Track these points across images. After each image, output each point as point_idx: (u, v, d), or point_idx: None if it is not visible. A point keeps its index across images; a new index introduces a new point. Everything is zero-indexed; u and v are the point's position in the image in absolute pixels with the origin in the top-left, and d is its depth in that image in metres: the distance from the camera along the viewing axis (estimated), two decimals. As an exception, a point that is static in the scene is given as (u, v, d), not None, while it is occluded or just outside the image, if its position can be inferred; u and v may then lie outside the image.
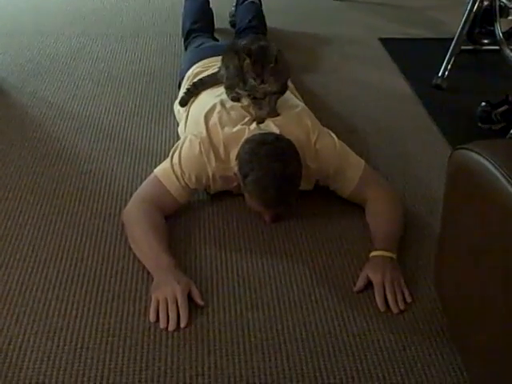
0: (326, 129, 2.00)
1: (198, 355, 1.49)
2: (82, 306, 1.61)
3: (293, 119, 1.97)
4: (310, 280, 1.72)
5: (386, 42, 3.17)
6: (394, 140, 2.37)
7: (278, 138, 1.82)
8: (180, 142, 1.96)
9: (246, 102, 2.00)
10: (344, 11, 3.59)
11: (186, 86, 2.23)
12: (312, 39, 3.21)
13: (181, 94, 2.27)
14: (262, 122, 1.94)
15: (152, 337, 1.53)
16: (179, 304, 1.57)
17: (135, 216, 1.82)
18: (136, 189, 1.99)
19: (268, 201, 1.80)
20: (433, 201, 2.01)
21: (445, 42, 2.88)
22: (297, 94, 2.28)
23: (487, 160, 1.21)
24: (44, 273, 1.71)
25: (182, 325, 1.55)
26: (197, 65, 2.36)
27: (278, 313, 1.61)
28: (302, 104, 2.13)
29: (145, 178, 2.07)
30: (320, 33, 3.27)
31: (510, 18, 2.88)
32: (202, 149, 1.87)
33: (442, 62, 2.77)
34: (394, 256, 1.73)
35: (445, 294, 1.52)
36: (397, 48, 3.11)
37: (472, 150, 1.27)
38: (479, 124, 2.43)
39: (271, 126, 1.92)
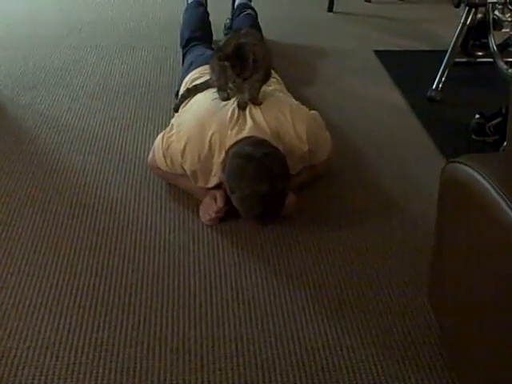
0: (302, 111, 2.05)
1: (191, 370, 1.49)
2: (75, 321, 1.61)
3: (274, 106, 1.99)
4: (304, 294, 1.72)
5: (380, 54, 3.18)
6: (388, 152, 2.37)
7: (267, 153, 1.80)
8: (172, 132, 2.01)
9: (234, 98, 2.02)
10: (339, 23, 3.60)
11: (180, 93, 2.26)
12: (307, 51, 3.21)
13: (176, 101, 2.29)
14: (245, 107, 1.96)
15: (145, 351, 1.53)
16: (214, 219, 1.96)
17: (161, 176, 2.13)
18: (129, 201, 2.05)
19: (253, 218, 1.87)
20: (426, 213, 2.01)
21: (439, 54, 2.89)
22: (282, 86, 2.33)
23: (479, 173, 1.22)
24: (37, 287, 1.71)
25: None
26: (194, 71, 2.38)
27: (272, 327, 1.61)
28: (278, 92, 2.19)
29: (139, 191, 2.11)
30: (315, 45, 3.28)
31: (503, 30, 2.89)
32: (187, 148, 1.93)
33: (437, 75, 2.78)
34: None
35: (438, 308, 1.52)
36: (391, 60, 3.11)
37: (464, 164, 1.28)
38: (473, 136, 2.44)
39: (254, 112, 1.95)
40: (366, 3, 3.92)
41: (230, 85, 1.97)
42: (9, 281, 1.72)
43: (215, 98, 2.03)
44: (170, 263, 1.80)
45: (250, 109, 1.97)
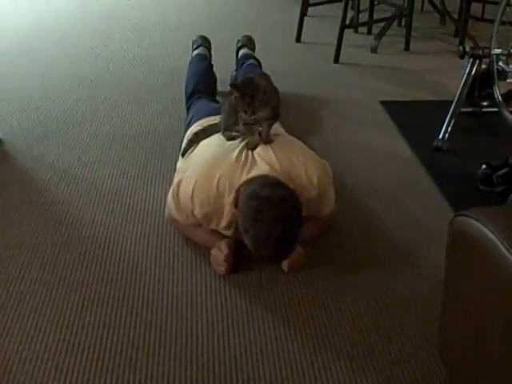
0: (314, 156, 2.08)
1: (198, 427, 1.46)
2: (82, 376, 1.59)
3: (285, 146, 2.04)
4: (313, 347, 1.70)
5: (386, 104, 3.22)
6: (395, 203, 2.38)
7: (285, 197, 1.81)
8: (179, 178, 2.05)
9: (240, 139, 2.06)
10: (344, 74, 3.65)
11: (189, 138, 2.30)
12: (313, 101, 3.26)
13: (183, 145, 2.32)
14: (254, 148, 1.99)
15: (152, 408, 1.51)
16: (213, 262, 1.98)
17: (178, 228, 2.14)
18: (137, 253, 2.06)
19: (263, 257, 1.88)
20: (435, 264, 2.00)
21: (445, 104, 2.92)
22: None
23: (487, 227, 1.22)
24: (44, 341, 1.70)
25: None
26: (195, 124, 2.41)
27: (281, 382, 1.59)
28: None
29: (147, 243, 2.12)
30: (321, 95, 3.32)
31: (508, 80, 2.93)
32: (195, 192, 1.94)
33: (442, 124, 2.80)
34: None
35: (449, 362, 1.50)
36: (397, 110, 3.14)
37: (472, 217, 1.28)
38: (480, 186, 2.44)
39: (265, 150, 1.97)
40: (372, 54, 3.98)
41: (241, 127, 2.02)
42: (16, 335, 1.72)
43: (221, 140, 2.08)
44: (178, 316, 1.79)
45: (260, 148, 2.00)
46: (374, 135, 2.91)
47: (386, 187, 2.48)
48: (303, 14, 4.12)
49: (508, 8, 2.88)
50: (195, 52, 3.25)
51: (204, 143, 2.16)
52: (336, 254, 2.08)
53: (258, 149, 2.00)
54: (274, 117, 2.05)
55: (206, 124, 2.29)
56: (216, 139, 2.12)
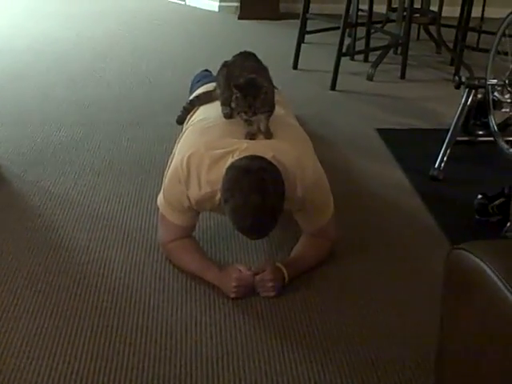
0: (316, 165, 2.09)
1: None
2: (74, 407, 1.57)
3: (286, 147, 2.00)
4: (308, 380, 1.68)
5: (382, 132, 3.23)
6: (390, 232, 2.37)
7: (264, 167, 1.82)
8: (168, 165, 2.11)
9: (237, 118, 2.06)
10: (341, 101, 3.67)
11: (184, 106, 2.33)
12: (309, 128, 3.23)
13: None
14: (253, 138, 1.99)
15: None
16: (238, 287, 1.93)
17: (171, 255, 2.10)
18: (131, 280, 2.04)
19: (243, 230, 1.86)
20: (431, 297, 1.99)
21: (440, 132, 2.94)
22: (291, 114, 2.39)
23: (484, 263, 1.21)
24: (36, 370, 1.68)
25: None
26: (194, 94, 2.47)
27: (276, 416, 1.57)
28: (295, 124, 2.27)
29: (142, 271, 2.10)
30: (317, 122, 3.32)
31: (503, 110, 2.95)
32: (181, 176, 1.96)
33: (438, 153, 2.80)
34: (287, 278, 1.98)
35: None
36: (393, 138, 3.15)
37: (470, 252, 1.27)
38: (476, 216, 2.44)
39: (267, 150, 1.93)
40: (368, 82, 4.01)
41: (234, 105, 2.02)
42: (8, 363, 1.69)
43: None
44: (172, 346, 1.78)
45: (260, 144, 1.97)
46: (369, 163, 2.91)
47: (381, 215, 2.48)
48: (300, 41, 4.16)
49: (503, 38, 2.91)
50: None
51: (199, 127, 2.14)
52: (332, 281, 2.07)
53: (258, 146, 1.96)
54: (271, 109, 2.05)
55: (200, 92, 2.34)
56: (212, 124, 2.10)
